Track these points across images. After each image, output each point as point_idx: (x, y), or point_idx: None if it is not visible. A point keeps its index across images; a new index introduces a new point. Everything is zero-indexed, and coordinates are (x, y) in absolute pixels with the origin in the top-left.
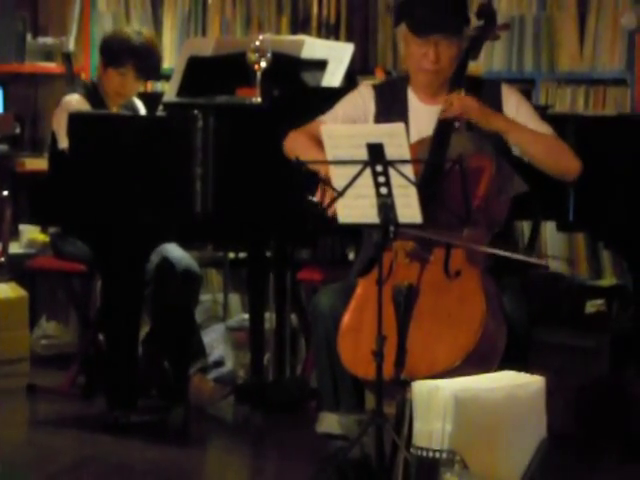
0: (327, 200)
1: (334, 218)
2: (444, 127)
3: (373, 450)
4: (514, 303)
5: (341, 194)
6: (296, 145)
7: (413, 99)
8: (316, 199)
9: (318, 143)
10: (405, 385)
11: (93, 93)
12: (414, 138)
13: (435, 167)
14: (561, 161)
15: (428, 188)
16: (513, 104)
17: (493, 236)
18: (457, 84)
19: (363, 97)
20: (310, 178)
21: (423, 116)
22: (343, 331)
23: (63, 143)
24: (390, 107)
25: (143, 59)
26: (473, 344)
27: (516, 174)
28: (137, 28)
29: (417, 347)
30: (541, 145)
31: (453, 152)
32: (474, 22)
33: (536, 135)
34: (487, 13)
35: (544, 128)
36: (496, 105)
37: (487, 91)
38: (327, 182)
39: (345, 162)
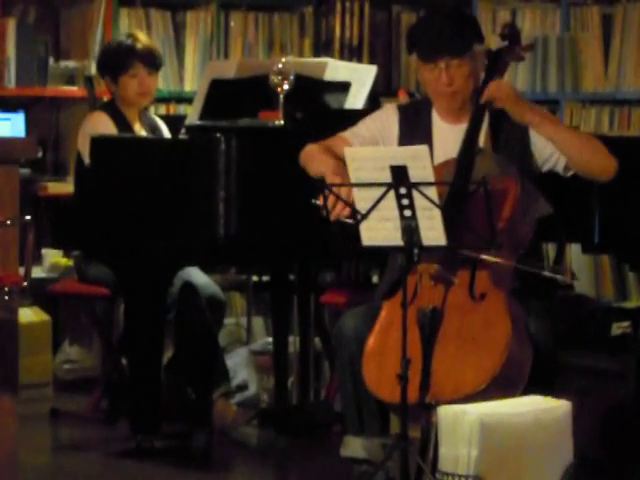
0: (330, 205)
1: (338, 222)
2: (469, 146)
3: (398, 474)
4: (540, 326)
5: (365, 217)
6: (306, 156)
7: (437, 120)
8: (319, 202)
9: (327, 152)
10: (430, 408)
11: (113, 110)
12: (439, 159)
13: (460, 189)
14: (596, 158)
15: (453, 210)
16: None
17: (517, 258)
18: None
19: (388, 117)
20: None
21: (448, 136)
22: (367, 354)
23: (88, 160)
24: (414, 128)
25: (145, 52)
26: (499, 368)
27: (541, 196)
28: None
29: (442, 370)
30: (575, 141)
31: (478, 174)
32: (498, 43)
33: (570, 130)
34: (510, 34)
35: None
36: (522, 125)
37: None
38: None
39: (369, 185)
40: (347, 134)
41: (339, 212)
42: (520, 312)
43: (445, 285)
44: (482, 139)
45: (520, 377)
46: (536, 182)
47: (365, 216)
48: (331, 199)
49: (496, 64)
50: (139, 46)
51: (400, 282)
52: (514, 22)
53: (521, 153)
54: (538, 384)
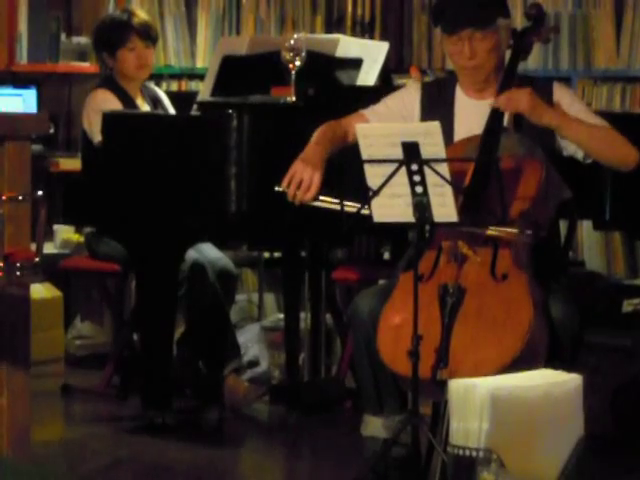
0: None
1: (301, 206)
2: (494, 125)
3: (407, 450)
4: (565, 310)
5: (376, 193)
6: (315, 134)
7: (461, 95)
8: (282, 188)
9: (324, 135)
10: (444, 385)
11: (114, 85)
12: (461, 134)
13: (486, 166)
14: (618, 152)
15: (477, 188)
16: (566, 103)
17: (538, 240)
18: (507, 85)
19: (409, 96)
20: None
21: (471, 111)
22: (383, 326)
23: (97, 137)
24: (436, 105)
25: (141, 25)
26: (520, 349)
27: (562, 180)
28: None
29: (461, 348)
30: (597, 138)
31: (503, 153)
32: (523, 22)
33: (590, 128)
34: (535, 14)
35: (599, 122)
36: (548, 104)
37: (538, 90)
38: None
39: (380, 161)
40: (366, 111)
41: (300, 197)
42: (540, 295)
43: (467, 263)
44: (506, 118)
45: (537, 359)
46: (557, 165)
47: (377, 192)
48: (291, 185)
49: (521, 44)
50: (135, 20)
51: (419, 257)
52: (540, 4)
53: (544, 134)
54: (562, 367)
